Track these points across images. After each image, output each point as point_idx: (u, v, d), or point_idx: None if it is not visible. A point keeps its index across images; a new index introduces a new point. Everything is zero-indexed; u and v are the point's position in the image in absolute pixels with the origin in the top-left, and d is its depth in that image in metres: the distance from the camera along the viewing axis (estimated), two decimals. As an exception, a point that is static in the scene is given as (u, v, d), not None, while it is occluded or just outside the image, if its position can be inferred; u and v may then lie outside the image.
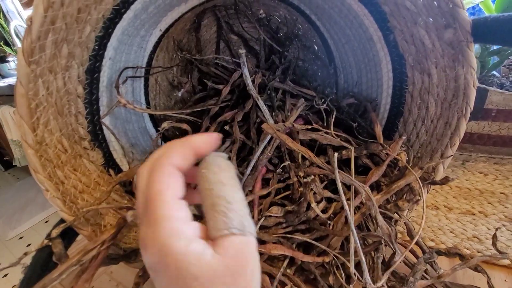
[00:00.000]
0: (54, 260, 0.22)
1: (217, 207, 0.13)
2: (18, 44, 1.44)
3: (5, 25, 1.48)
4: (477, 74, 0.49)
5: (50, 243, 0.22)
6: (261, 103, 0.31)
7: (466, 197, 0.41)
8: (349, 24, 0.38)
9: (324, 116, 0.39)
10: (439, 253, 0.28)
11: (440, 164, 0.31)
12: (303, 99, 0.36)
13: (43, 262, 0.21)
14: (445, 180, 0.30)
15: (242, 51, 0.30)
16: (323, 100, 0.43)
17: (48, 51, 0.21)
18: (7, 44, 1.51)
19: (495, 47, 0.46)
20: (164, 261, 0.12)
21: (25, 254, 0.21)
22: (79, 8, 0.21)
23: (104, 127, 0.32)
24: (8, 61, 1.49)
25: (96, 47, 0.27)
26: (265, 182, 0.36)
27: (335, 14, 0.39)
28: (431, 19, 0.26)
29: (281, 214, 0.30)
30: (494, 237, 0.27)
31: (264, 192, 0.33)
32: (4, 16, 1.50)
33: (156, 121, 0.48)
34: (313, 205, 0.28)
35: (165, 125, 0.35)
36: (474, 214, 0.38)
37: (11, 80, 1.37)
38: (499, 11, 0.47)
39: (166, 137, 0.49)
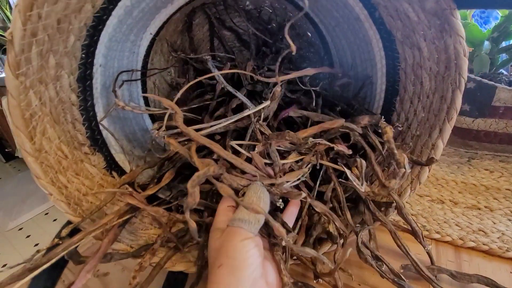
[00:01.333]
0: (65, 257, 0.24)
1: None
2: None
3: (11, 16, 1.55)
4: (486, 70, 0.48)
5: (61, 242, 0.23)
6: (239, 94, 0.32)
7: (472, 192, 0.41)
8: (334, 5, 0.37)
9: (314, 98, 0.39)
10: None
11: (439, 140, 0.30)
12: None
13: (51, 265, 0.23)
14: (429, 161, 0.29)
15: (208, 57, 0.32)
16: (317, 82, 0.43)
17: (34, 63, 0.22)
18: (12, 35, 1.58)
19: (504, 43, 0.46)
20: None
21: (38, 251, 0.22)
22: (59, 19, 0.22)
23: (103, 132, 0.34)
24: (12, 52, 1.55)
25: (84, 55, 0.28)
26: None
27: (320, -3, 0.38)
28: (412, -10, 0.25)
29: None
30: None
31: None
32: (10, 7, 1.54)
33: (156, 119, 0.49)
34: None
35: (155, 126, 0.36)
36: (479, 209, 0.38)
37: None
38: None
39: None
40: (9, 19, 1.56)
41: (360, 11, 0.33)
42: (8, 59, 0.20)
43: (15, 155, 1.39)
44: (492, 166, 0.45)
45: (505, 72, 0.50)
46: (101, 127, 0.33)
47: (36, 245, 1.28)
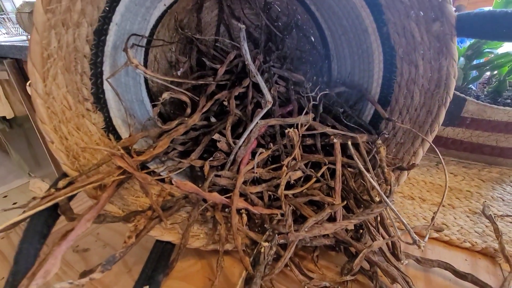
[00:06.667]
0: (59, 212, 0.23)
1: None
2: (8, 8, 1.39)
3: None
4: (459, 84, 0.54)
5: (56, 192, 0.23)
6: (259, 78, 0.33)
7: (438, 191, 0.47)
8: (346, 14, 0.40)
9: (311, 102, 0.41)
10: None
11: (421, 148, 0.34)
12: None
13: (48, 212, 0.22)
14: (411, 166, 0.33)
15: (242, 26, 0.31)
16: (315, 87, 0.45)
17: (64, 3, 0.21)
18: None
19: (476, 61, 0.51)
20: None
21: (34, 198, 0.22)
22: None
23: (106, 92, 0.33)
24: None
25: (107, 8, 0.27)
26: (253, 156, 0.38)
27: (334, 4, 0.41)
28: (421, 13, 0.29)
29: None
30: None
31: (249, 167, 0.35)
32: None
33: (152, 96, 0.48)
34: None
35: (165, 95, 0.36)
36: (444, 206, 0.43)
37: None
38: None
39: (162, 114, 0.49)
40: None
41: (370, 24, 0.36)
42: (43, -9, 0.19)
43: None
44: (456, 170, 0.52)
45: (474, 88, 0.56)
46: (105, 86, 0.32)
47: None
